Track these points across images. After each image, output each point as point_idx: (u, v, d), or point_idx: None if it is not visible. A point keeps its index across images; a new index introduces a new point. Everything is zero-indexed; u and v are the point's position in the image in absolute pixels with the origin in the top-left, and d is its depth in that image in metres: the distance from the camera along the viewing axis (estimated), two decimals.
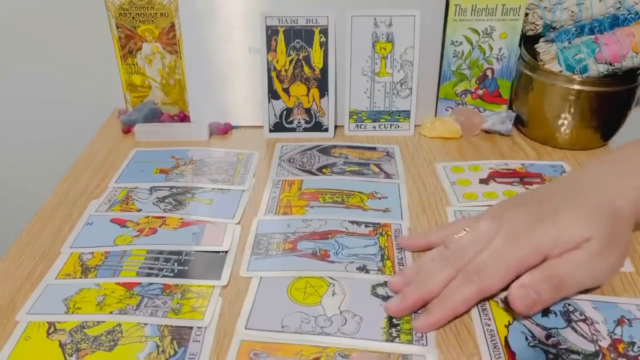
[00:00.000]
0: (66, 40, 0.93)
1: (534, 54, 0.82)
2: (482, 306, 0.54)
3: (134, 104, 0.94)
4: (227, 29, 0.84)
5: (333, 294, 0.56)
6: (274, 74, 0.85)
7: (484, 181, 0.76)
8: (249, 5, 0.83)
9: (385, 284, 0.57)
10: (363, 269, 0.59)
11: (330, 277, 0.58)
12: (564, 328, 0.51)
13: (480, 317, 0.53)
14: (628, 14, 0.78)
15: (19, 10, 0.91)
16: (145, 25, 0.87)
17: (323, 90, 0.86)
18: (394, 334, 0.51)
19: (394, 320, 0.52)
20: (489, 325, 0.52)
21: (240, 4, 0.83)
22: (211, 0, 0.82)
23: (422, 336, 0.51)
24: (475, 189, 0.74)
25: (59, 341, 0.51)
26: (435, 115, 0.92)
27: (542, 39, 0.82)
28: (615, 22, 0.78)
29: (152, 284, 0.57)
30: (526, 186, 0.74)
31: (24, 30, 0.93)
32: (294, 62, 0.85)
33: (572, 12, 0.80)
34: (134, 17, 0.87)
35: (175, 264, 0.60)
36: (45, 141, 1.03)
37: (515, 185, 0.74)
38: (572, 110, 0.80)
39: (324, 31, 0.83)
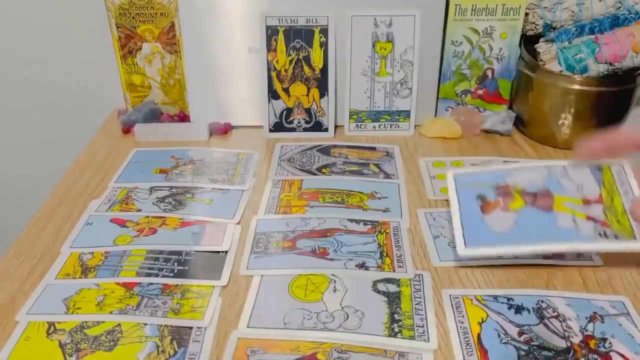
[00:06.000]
0: (66, 40, 0.93)
1: (534, 54, 0.82)
2: (456, 304, 0.55)
3: (134, 104, 0.94)
4: (227, 29, 0.84)
5: (334, 290, 0.56)
6: (274, 74, 0.85)
7: None
8: (249, 5, 0.83)
9: (385, 280, 0.57)
10: (362, 266, 0.59)
11: (332, 274, 0.58)
12: (536, 325, 0.52)
13: (454, 314, 0.54)
14: (628, 14, 0.78)
15: (18, 11, 0.91)
16: (145, 25, 0.87)
17: (323, 90, 0.86)
18: (396, 329, 0.51)
19: (396, 315, 0.53)
20: (462, 322, 0.53)
21: (240, 4, 0.83)
22: (211, 0, 0.82)
23: (423, 332, 0.51)
24: None
25: (59, 341, 0.51)
26: (435, 115, 0.92)
27: (542, 39, 0.82)
28: (615, 22, 0.78)
29: (152, 284, 0.57)
30: None
31: (23, 31, 0.93)
32: (294, 62, 0.85)
33: (572, 12, 0.80)
34: (134, 17, 0.86)
35: (175, 264, 0.60)
36: (45, 141, 1.03)
37: None
38: (572, 110, 0.80)
39: (324, 31, 0.83)
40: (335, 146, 0.85)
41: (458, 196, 0.56)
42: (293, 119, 0.87)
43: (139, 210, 0.69)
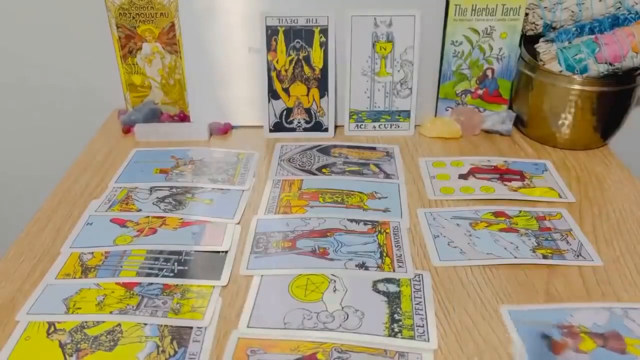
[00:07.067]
0: (66, 41, 0.93)
1: (534, 54, 0.82)
2: None
3: (134, 104, 0.93)
4: (227, 29, 0.84)
5: (334, 290, 0.56)
6: (274, 74, 0.85)
7: (463, 176, 0.76)
8: (249, 5, 0.83)
9: (385, 280, 0.57)
10: (362, 266, 0.59)
11: (332, 274, 0.58)
12: None
13: None
14: (628, 14, 0.78)
15: (18, 11, 0.91)
16: (145, 25, 0.87)
17: (323, 90, 0.86)
18: (396, 330, 0.51)
19: (396, 315, 0.53)
20: None
21: (240, 4, 0.83)
22: (211, 0, 0.82)
23: (423, 332, 0.51)
24: (453, 184, 0.75)
25: (59, 341, 0.51)
26: (435, 115, 0.92)
27: (542, 39, 0.82)
28: (615, 22, 0.78)
29: (152, 284, 0.57)
30: (505, 183, 0.74)
31: (23, 32, 0.93)
32: (294, 62, 0.85)
33: (572, 12, 0.80)
34: (134, 17, 0.86)
35: (175, 264, 0.60)
36: (46, 141, 1.03)
37: (494, 181, 0.75)
38: (572, 110, 0.80)
39: (324, 31, 0.83)
40: (335, 146, 0.85)
41: (519, 334, 0.52)
42: (293, 119, 0.87)
43: (139, 210, 0.69)
